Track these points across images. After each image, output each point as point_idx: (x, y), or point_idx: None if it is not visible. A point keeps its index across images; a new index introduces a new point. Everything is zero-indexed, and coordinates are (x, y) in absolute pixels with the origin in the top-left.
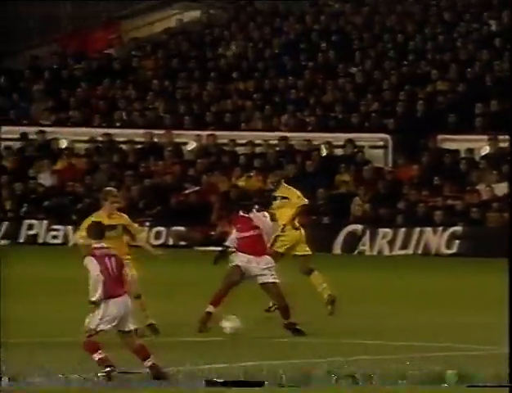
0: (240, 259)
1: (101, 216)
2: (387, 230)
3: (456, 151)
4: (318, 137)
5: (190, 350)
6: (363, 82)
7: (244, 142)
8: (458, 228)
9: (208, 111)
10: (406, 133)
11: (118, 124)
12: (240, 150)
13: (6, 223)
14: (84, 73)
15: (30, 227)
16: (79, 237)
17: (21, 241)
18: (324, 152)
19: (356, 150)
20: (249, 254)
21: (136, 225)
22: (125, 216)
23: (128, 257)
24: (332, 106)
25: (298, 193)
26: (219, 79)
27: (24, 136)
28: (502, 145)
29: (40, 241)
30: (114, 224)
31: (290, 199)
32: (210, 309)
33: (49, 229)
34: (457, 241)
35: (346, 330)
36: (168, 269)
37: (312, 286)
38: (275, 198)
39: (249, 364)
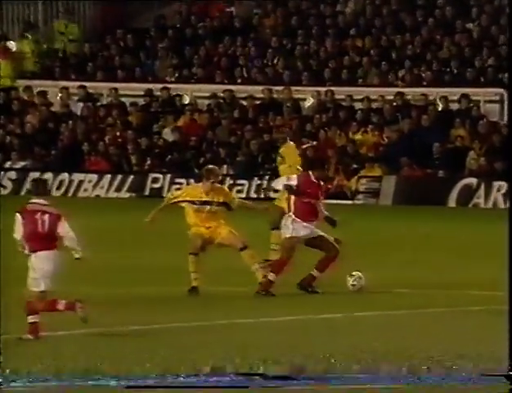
0: None
1: (198, 189)
2: (502, 183)
3: None
4: (434, 92)
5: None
6: (479, 37)
7: (361, 97)
8: None
9: (325, 68)
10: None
11: (238, 81)
12: (356, 105)
13: (132, 176)
14: (207, 31)
15: (155, 180)
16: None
17: (146, 194)
18: (440, 107)
19: (471, 104)
20: None
21: (233, 196)
22: (224, 191)
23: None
24: (448, 61)
25: None
26: (337, 36)
27: (149, 92)
28: None
29: (164, 194)
30: (210, 200)
31: None
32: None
33: (172, 182)
34: None
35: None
36: None
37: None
38: None
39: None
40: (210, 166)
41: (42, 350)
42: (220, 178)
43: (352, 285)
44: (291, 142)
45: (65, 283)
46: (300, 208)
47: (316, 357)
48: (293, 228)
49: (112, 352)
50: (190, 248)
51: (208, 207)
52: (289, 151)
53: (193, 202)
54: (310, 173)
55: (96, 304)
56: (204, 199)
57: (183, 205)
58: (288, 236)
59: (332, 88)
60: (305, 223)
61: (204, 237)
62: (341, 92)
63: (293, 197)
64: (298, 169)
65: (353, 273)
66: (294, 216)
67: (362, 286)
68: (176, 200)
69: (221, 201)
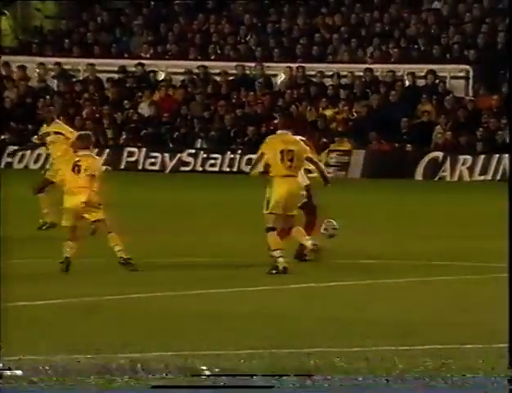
0: None
1: None
2: (467, 157)
3: None
4: (402, 68)
5: None
6: (446, 15)
7: (331, 73)
8: None
9: (297, 45)
10: (487, 64)
11: (212, 57)
12: (327, 81)
13: (108, 150)
14: (181, 8)
15: (130, 154)
16: None
17: (122, 167)
18: (407, 83)
19: (437, 80)
20: None
21: None
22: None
23: None
24: (415, 38)
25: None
26: (308, 14)
27: (123, 69)
28: None
29: (139, 167)
30: None
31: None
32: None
33: (147, 156)
34: None
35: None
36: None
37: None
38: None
39: None
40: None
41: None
42: None
43: (325, 229)
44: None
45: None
46: None
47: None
48: None
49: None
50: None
51: None
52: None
53: None
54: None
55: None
56: None
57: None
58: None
59: (303, 65)
60: None
61: None
62: (312, 68)
63: None
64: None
65: (329, 220)
66: None
67: (334, 235)
68: None
69: None
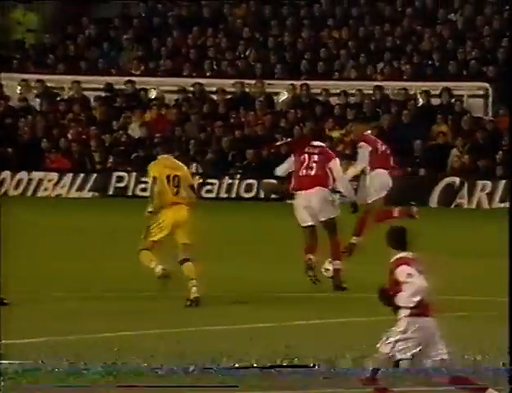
0: None
1: None
2: (486, 182)
3: None
4: (414, 86)
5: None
6: (462, 28)
7: (337, 91)
8: None
9: (300, 60)
10: (508, 81)
11: (208, 74)
12: (333, 100)
13: (95, 175)
14: (174, 21)
15: (119, 179)
16: None
17: (110, 193)
18: (420, 102)
19: (454, 99)
20: None
21: None
22: None
23: None
24: (429, 53)
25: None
26: (312, 27)
27: (111, 86)
28: None
29: (129, 193)
30: None
31: None
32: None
33: (138, 182)
34: None
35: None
36: (257, 223)
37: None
38: None
39: None
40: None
41: None
42: None
43: (326, 269)
44: None
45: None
46: None
47: None
48: None
49: None
50: None
51: None
52: None
53: None
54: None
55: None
56: None
57: None
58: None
59: (307, 82)
60: None
61: None
62: (317, 85)
63: None
64: None
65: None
66: None
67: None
68: None
69: None
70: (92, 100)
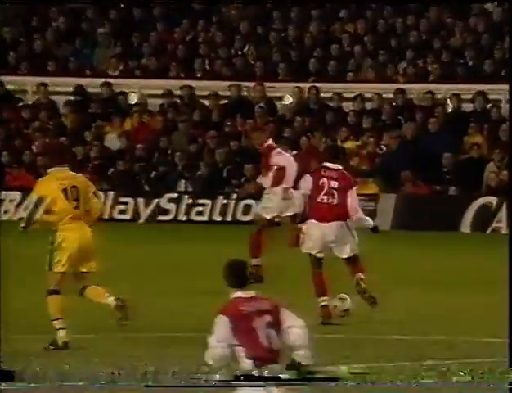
0: None
1: None
2: None
3: None
4: (443, 88)
5: None
6: (500, 21)
7: (352, 96)
8: None
9: (308, 58)
10: None
11: (199, 75)
12: (347, 105)
13: None
14: (159, 12)
15: None
16: None
17: None
18: (450, 107)
19: (490, 105)
20: None
21: None
22: None
23: None
24: (461, 51)
25: None
26: (323, 20)
27: (83, 90)
28: None
29: (105, 216)
30: None
31: None
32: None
33: (116, 202)
34: None
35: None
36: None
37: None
38: None
39: None
40: None
41: None
42: None
43: (334, 306)
44: None
45: None
46: None
47: None
48: None
49: None
50: None
51: None
52: None
53: None
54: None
55: None
56: None
57: None
58: None
59: (316, 84)
60: None
61: None
62: (328, 89)
63: None
64: None
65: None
66: None
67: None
68: None
69: None
70: (61, 106)
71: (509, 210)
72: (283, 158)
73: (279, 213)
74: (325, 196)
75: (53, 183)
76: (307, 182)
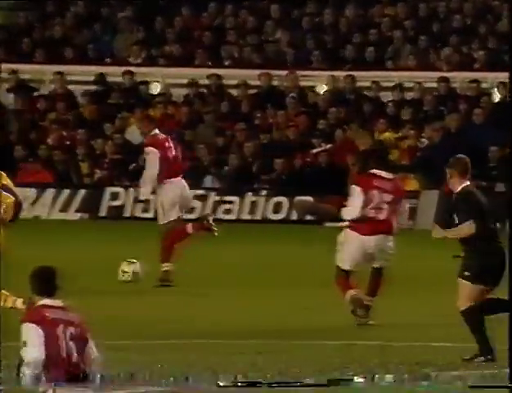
0: None
1: None
2: None
3: None
4: (489, 77)
5: None
6: None
7: (391, 85)
8: None
9: (344, 45)
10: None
11: (227, 63)
12: (385, 95)
13: (83, 191)
14: None
15: (114, 196)
16: None
17: (103, 214)
18: (497, 97)
19: None
20: None
21: None
22: None
23: None
24: (508, 36)
25: None
26: (360, 3)
27: (103, 79)
28: None
29: (126, 214)
30: None
31: None
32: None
33: (137, 200)
34: None
35: None
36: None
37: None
38: None
39: None
40: None
41: None
42: None
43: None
44: None
45: None
46: None
47: None
48: None
49: None
50: None
51: None
52: None
53: None
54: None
55: None
56: None
57: None
58: None
59: (353, 73)
60: None
61: None
62: (365, 77)
63: None
64: None
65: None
66: None
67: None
68: None
69: None
70: (79, 96)
71: (510, 210)
72: None
73: None
74: (373, 211)
75: None
76: (357, 198)
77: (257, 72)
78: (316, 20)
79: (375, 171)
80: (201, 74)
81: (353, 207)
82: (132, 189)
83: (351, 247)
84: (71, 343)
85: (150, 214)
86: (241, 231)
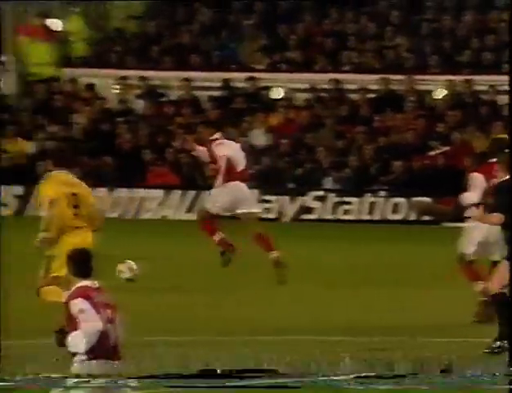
0: None
1: None
2: None
3: None
4: None
5: None
6: None
7: (507, 88)
8: None
9: (462, 50)
10: None
11: (347, 68)
12: (502, 99)
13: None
14: (307, 3)
15: None
16: None
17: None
18: None
19: None
20: None
21: None
22: None
23: None
24: None
25: None
26: (477, 8)
27: (228, 84)
28: None
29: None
30: None
31: None
32: None
33: (258, 200)
34: None
35: None
36: (402, 249)
37: None
38: None
39: None
40: None
41: None
42: None
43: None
44: None
45: None
46: None
47: None
48: None
49: None
50: None
51: None
52: None
53: None
54: None
55: None
56: None
57: None
58: None
59: (470, 77)
60: None
61: None
62: (482, 81)
63: None
64: None
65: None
66: None
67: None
68: None
69: None
70: (204, 101)
71: (510, 211)
72: None
73: None
74: None
75: (56, 187)
76: (478, 186)
77: (376, 77)
78: (435, 26)
79: (495, 160)
80: (322, 79)
81: (474, 193)
82: (253, 190)
83: (474, 238)
84: (109, 325)
85: (272, 215)
86: (360, 231)
